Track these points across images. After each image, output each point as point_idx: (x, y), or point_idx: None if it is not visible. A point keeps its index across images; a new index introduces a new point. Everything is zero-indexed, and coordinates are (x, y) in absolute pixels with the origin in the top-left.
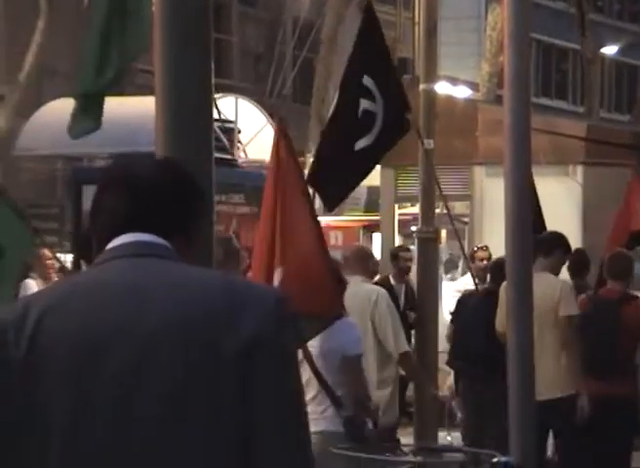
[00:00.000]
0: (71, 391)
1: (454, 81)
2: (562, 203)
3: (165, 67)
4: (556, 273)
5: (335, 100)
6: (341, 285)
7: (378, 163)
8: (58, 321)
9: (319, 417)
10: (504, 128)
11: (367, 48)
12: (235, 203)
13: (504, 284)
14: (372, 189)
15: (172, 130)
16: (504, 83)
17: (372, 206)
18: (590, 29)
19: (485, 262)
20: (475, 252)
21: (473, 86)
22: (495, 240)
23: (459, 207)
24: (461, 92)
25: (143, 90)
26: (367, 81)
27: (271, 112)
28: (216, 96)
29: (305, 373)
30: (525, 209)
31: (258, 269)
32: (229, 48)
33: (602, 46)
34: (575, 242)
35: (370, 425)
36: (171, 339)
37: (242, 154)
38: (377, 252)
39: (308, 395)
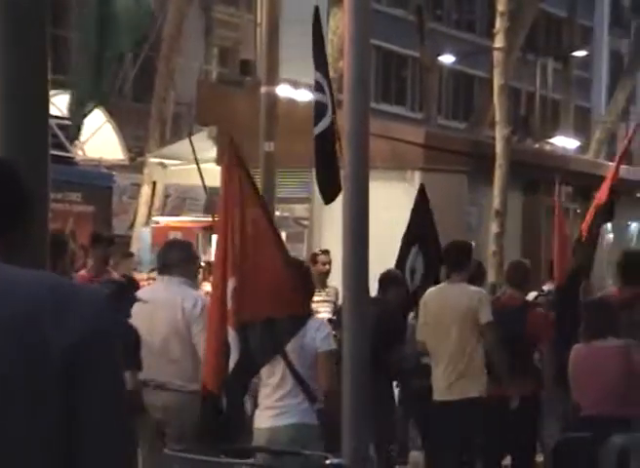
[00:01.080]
0: None
1: (295, 84)
2: (399, 207)
3: (0, 63)
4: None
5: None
6: (309, 286)
7: None
8: None
9: (294, 410)
10: (344, 132)
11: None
12: (72, 201)
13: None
14: (212, 190)
15: (6, 126)
16: (344, 87)
17: (212, 207)
18: (429, 37)
19: (327, 266)
20: (317, 255)
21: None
22: (334, 244)
23: (299, 210)
24: (303, 95)
25: None
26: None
27: (110, 110)
28: (53, 92)
29: (280, 368)
30: (363, 213)
31: (215, 280)
32: (67, 44)
33: (440, 54)
34: None
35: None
36: None
37: (80, 152)
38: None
39: (284, 389)
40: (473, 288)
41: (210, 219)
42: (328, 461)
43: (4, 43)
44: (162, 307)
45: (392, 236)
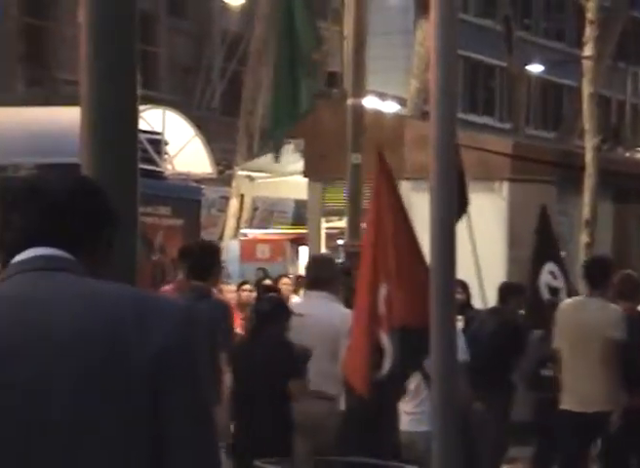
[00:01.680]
0: None
1: (382, 96)
2: (488, 218)
3: (90, 78)
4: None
5: None
6: None
7: None
8: None
9: (430, 418)
10: (431, 144)
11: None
12: (161, 215)
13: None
14: (299, 203)
15: (97, 141)
16: (431, 99)
17: (299, 219)
18: (517, 47)
19: None
20: None
21: (401, 101)
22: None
23: None
24: (389, 107)
25: (69, 100)
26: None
27: (199, 124)
28: (143, 108)
29: (417, 375)
30: (450, 223)
31: (363, 288)
32: (157, 60)
33: (528, 63)
34: (500, 257)
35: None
36: (78, 353)
37: (169, 166)
38: (303, 265)
39: (420, 396)
40: (610, 304)
41: (297, 231)
42: None
43: (94, 59)
44: (312, 322)
45: (480, 246)
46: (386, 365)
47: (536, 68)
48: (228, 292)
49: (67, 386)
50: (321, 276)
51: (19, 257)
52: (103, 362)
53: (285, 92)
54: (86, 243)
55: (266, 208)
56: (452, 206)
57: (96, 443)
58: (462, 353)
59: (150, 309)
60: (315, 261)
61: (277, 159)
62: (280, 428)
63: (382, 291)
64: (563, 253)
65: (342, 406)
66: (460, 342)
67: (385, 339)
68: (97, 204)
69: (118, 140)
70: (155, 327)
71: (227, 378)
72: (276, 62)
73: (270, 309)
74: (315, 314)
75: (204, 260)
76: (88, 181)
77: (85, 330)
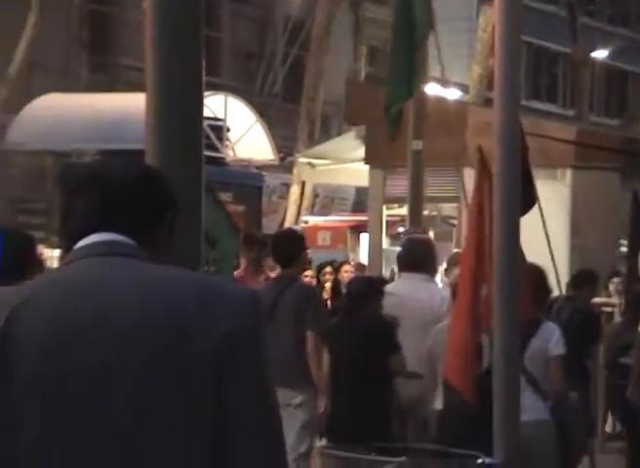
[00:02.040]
0: (41, 393)
1: (444, 82)
2: (550, 206)
3: (156, 64)
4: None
5: None
6: (545, 289)
7: None
8: (28, 319)
9: (530, 409)
10: (494, 131)
11: None
12: (223, 201)
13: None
14: (360, 190)
15: (162, 127)
16: (495, 85)
17: (360, 206)
18: (581, 33)
19: None
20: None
21: (464, 88)
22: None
23: (447, 209)
24: (452, 93)
25: (131, 86)
26: None
27: (260, 111)
28: (205, 94)
29: None
30: (514, 210)
31: (464, 289)
32: (219, 46)
33: (593, 50)
34: (563, 245)
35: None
36: (141, 338)
37: (230, 152)
38: (364, 252)
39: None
40: None
41: (358, 218)
42: (480, 461)
43: (159, 44)
44: (409, 303)
45: (542, 234)
46: (484, 362)
47: (600, 54)
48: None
49: (130, 372)
50: (417, 258)
51: (81, 243)
52: (166, 348)
53: (401, 70)
54: (148, 229)
55: (327, 195)
56: (516, 193)
57: (157, 429)
58: (559, 346)
59: (214, 295)
60: (411, 243)
61: (393, 138)
62: (381, 407)
63: (483, 291)
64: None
65: (439, 403)
66: (557, 334)
67: (484, 338)
68: (159, 190)
69: (183, 126)
70: (219, 313)
71: (325, 359)
72: (393, 43)
73: (363, 289)
74: (414, 295)
75: (291, 248)
76: (151, 168)
77: (147, 316)
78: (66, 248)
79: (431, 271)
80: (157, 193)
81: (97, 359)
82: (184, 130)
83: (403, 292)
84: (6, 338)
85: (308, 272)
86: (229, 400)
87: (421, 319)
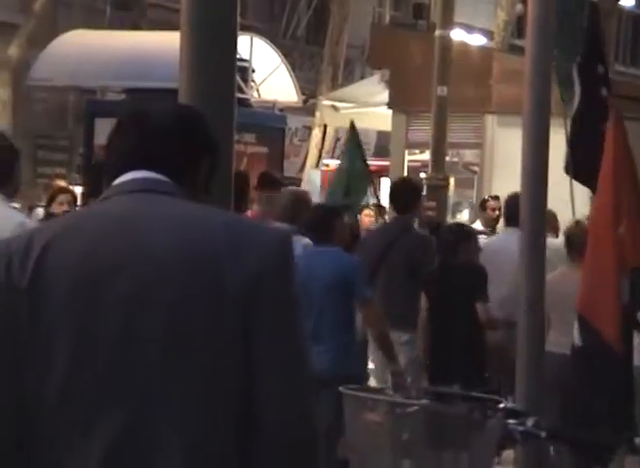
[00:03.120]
0: (74, 319)
1: (469, 28)
2: None
3: (192, 3)
4: None
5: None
6: None
7: None
8: (62, 251)
9: None
10: (525, 77)
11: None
12: (246, 142)
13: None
14: (382, 134)
15: (196, 65)
16: (527, 32)
17: (381, 151)
18: None
19: (497, 212)
20: (487, 201)
21: (488, 34)
22: (503, 190)
23: (469, 155)
24: (476, 39)
25: (155, 25)
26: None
27: (284, 53)
28: None
29: None
30: (541, 159)
31: (602, 235)
32: None
33: None
34: (586, 195)
35: None
36: (173, 271)
37: (255, 94)
38: (385, 197)
39: None
40: None
41: (379, 163)
42: (502, 405)
43: None
44: (505, 257)
45: (565, 182)
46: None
47: (627, 2)
48: None
49: (162, 304)
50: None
51: (120, 179)
52: (197, 282)
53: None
54: (186, 169)
55: None
56: (546, 140)
57: (187, 359)
58: None
59: (245, 235)
60: (513, 199)
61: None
62: (475, 351)
63: (619, 235)
64: None
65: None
66: None
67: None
68: (199, 131)
69: (217, 66)
70: (250, 252)
71: (423, 303)
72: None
73: (458, 236)
74: (509, 249)
75: (408, 196)
76: (192, 109)
77: (181, 251)
78: (107, 183)
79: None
80: (196, 134)
81: (130, 289)
82: (218, 69)
83: (500, 245)
84: (41, 267)
85: (367, 211)
86: (256, 336)
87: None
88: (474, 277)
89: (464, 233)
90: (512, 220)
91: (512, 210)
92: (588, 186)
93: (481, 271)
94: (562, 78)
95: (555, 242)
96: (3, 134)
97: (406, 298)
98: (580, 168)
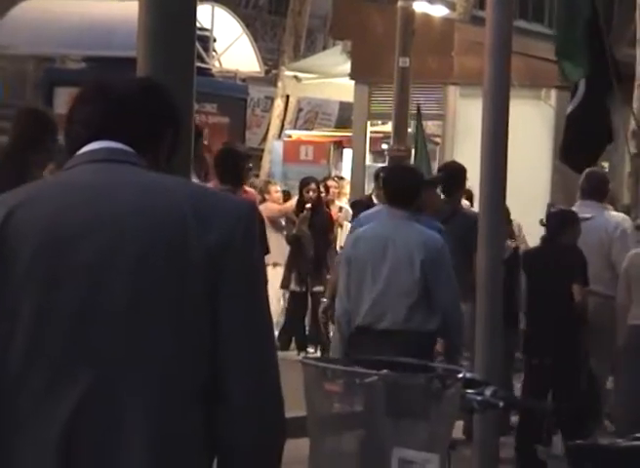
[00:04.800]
0: (38, 286)
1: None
2: (534, 127)
3: None
4: None
5: None
6: None
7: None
8: (25, 220)
9: None
10: (486, 48)
11: None
12: (208, 112)
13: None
14: (344, 105)
15: (156, 35)
16: (487, 3)
17: (343, 122)
18: None
19: None
20: None
21: (450, 5)
22: (465, 161)
23: (431, 126)
24: (439, 10)
25: None
26: None
27: (246, 23)
28: None
29: None
30: (502, 129)
31: None
32: None
33: None
34: (546, 166)
35: None
36: (138, 237)
37: (216, 63)
38: (347, 168)
39: None
40: None
41: (342, 134)
42: (460, 375)
43: None
44: (588, 228)
45: (526, 154)
46: None
47: None
48: (275, 191)
49: (126, 269)
50: (591, 186)
51: (84, 149)
52: (162, 249)
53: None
54: (149, 140)
55: (311, 109)
56: (505, 112)
57: (153, 322)
58: None
59: (210, 204)
60: (594, 174)
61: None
62: (570, 325)
63: None
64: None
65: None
66: None
67: None
68: (162, 104)
69: (176, 35)
70: (214, 221)
71: (522, 282)
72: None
73: (564, 220)
74: (590, 221)
75: (454, 181)
76: (155, 82)
77: (144, 218)
78: (69, 153)
79: (603, 198)
80: (160, 106)
81: (94, 256)
82: (178, 38)
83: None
84: (4, 235)
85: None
86: (221, 303)
87: (597, 242)
88: (576, 259)
89: (570, 218)
90: (595, 195)
91: (595, 185)
92: (578, 170)
93: (582, 255)
94: (569, 52)
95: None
96: (41, 109)
97: (465, 273)
98: (572, 150)
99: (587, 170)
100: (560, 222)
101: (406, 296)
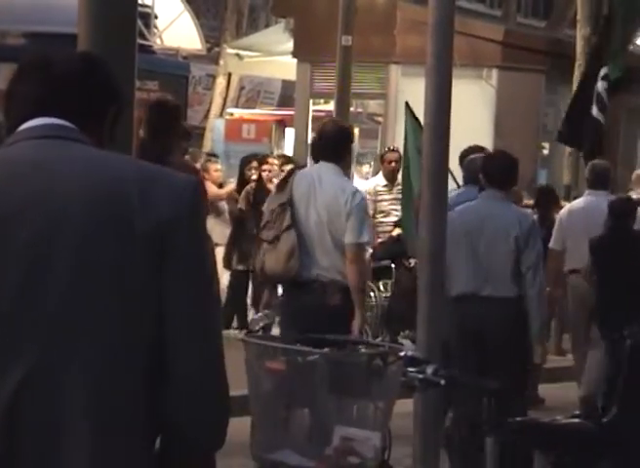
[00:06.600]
0: None
1: None
2: (475, 106)
3: None
4: None
5: None
6: None
7: None
8: None
9: None
10: (429, 27)
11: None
12: (149, 89)
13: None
14: (287, 83)
15: (95, 11)
16: None
17: (286, 100)
18: None
19: (394, 164)
20: (385, 153)
21: None
22: None
23: (373, 105)
24: None
25: None
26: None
27: (189, 0)
28: None
29: None
30: (444, 108)
31: None
32: None
33: None
34: (487, 145)
35: None
36: (82, 211)
37: (158, 40)
38: (289, 147)
39: None
40: None
41: (284, 112)
42: (402, 353)
43: None
44: (596, 218)
45: (467, 133)
46: None
47: None
48: (214, 170)
49: (68, 249)
50: (603, 176)
51: (25, 125)
52: (106, 226)
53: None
54: (91, 116)
55: (253, 87)
56: (447, 91)
57: (97, 297)
58: None
59: (154, 181)
60: (601, 165)
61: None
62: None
63: None
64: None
65: None
66: None
67: None
68: (104, 80)
69: (117, 11)
70: (162, 195)
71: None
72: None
73: (625, 206)
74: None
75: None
76: (97, 58)
77: (88, 194)
78: (10, 130)
79: (607, 188)
80: (102, 82)
81: (38, 231)
82: (119, 14)
83: (590, 206)
84: None
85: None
86: (166, 281)
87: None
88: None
89: (635, 205)
90: (599, 184)
91: (600, 173)
92: (579, 149)
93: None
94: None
95: None
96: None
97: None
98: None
99: (591, 162)
100: (627, 210)
101: (503, 267)
